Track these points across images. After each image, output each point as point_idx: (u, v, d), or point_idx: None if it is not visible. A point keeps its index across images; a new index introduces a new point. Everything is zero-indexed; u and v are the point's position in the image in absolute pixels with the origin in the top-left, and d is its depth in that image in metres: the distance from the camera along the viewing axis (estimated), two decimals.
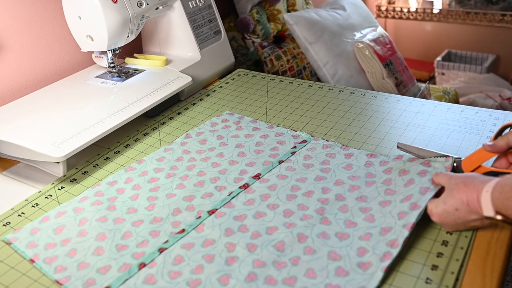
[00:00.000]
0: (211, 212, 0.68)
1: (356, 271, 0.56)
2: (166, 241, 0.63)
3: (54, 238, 0.66)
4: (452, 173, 0.62)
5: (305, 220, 0.65)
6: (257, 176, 0.75)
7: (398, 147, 0.76)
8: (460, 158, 0.69)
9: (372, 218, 0.63)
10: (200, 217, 0.67)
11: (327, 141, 0.83)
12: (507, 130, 0.66)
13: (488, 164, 0.66)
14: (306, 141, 0.83)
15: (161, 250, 0.62)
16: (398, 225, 0.60)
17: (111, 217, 0.69)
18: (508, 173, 0.63)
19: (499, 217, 0.54)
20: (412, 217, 0.60)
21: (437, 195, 0.63)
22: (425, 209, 0.62)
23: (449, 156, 0.69)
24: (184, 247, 0.62)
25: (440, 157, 0.69)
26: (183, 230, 0.65)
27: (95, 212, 0.70)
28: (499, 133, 0.67)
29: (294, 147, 0.82)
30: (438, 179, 0.63)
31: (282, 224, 0.64)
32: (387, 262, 0.56)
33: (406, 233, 0.59)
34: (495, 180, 0.55)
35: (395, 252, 0.57)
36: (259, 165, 0.78)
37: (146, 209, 0.70)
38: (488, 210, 0.54)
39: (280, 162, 0.78)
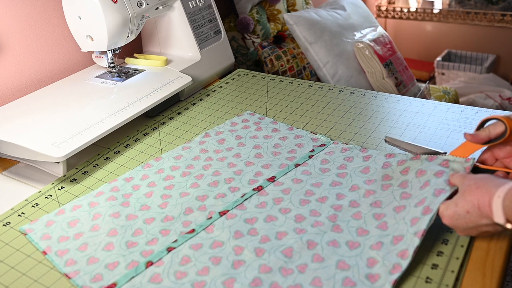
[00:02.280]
0: (222, 213, 0.67)
1: (364, 283, 0.55)
2: (175, 241, 0.63)
3: (68, 231, 0.67)
4: (467, 174, 0.59)
5: (316, 227, 0.63)
6: (272, 179, 0.74)
7: (385, 141, 0.76)
8: (446, 153, 0.68)
9: (385, 225, 0.61)
10: (211, 217, 0.67)
11: (346, 144, 0.81)
12: (488, 123, 0.65)
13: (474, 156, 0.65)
14: (325, 144, 0.82)
15: (169, 249, 0.62)
16: (410, 232, 0.58)
17: (124, 213, 0.69)
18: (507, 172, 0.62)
19: (509, 226, 0.52)
20: (423, 223, 0.58)
21: (451, 196, 0.59)
22: (438, 212, 0.59)
23: (438, 151, 0.69)
24: (192, 248, 0.62)
25: (428, 153, 0.69)
26: (193, 230, 0.65)
27: (109, 208, 0.71)
28: (481, 126, 0.65)
29: (312, 150, 0.80)
30: (453, 180, 0.60)
31: (292, 230, 0.63)
32: (396, 275, 0.54)
33: (416, 241, 0.57)
34: (508, 184, 0.52)
35: (405, 263, 0.55)
36: (275, 167, 0.77)
37: (159, 207, 0.70)
38: (498, 217, 0.52)
39: (297, 165, 0.77)
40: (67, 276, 0.59)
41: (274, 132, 0.87)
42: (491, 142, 0.63)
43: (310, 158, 0.78)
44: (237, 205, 0.69)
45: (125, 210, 0.70)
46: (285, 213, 0.66)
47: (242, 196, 0.71)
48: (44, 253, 0.63)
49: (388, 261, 0.56)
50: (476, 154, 0.67)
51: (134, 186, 0.75)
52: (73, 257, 0.62)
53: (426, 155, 0.68)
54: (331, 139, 0.84)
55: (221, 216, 0.67)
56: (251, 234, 0.63)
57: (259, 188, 0.72)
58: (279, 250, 0.60)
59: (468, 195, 0.55)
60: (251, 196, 0.71)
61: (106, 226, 0.67)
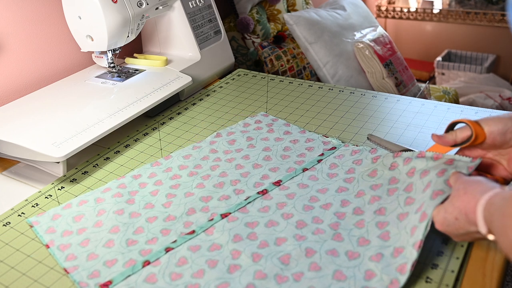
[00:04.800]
0: (224, 216, 0.67)
1: None
2: (175, 241, 0.63)
3: (72, 226, 0.67)
4: (460, 175, 0.57)
5: (317, 235, 0.62)
6: (278, 183, 0.73)
7: (368, 138, 0.78)
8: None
9: (387, 235, 0.60)
10: (212, 219, 0.66)
11: (357, 146, 0.79)
12: (457, 126, 0.65)
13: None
14: (335, 147, 0.80)
15: (167, 250, 0.62)
16: (410, 244, 0.56)
17: (128, 210, 0.69)
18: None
19: (490, 237, 0.50)
20: (420, 233, 0.56)
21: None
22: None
23: (413, 150, 0.70)
24: (191, 249, 0.62)
25: (406, 151, 0.69)
26: (193, 232, 0.64)
27: (113, 204, 0.71)
28: (450, 128, 0.65)
29: (322, 154, 0.79)
30: (450, 180, 0.58)
31: (292, 236, 0.62)
32: None
33: (414, 255, 0.55)
34: (491, 192, 0.50)
35: (403, 279, 0.54)
36: (282, 171, 0.76)
37: (162, 206, 0.70)
38: (481, 226, 0.50)
39: (304, 170, 0.75)
40: (66, 270, 0.60)
41: (285, 135, 0.86)
42: (458, 146, 0.64)
43: (319, 162, 0.77)
44: (239, 208, 0.68)
45: (130, 207, 0.70)
46: (287, 219, 0.65)
47: (245, 199, 0.70)
48: (47, 246, 0.64)
49: (386, 275, 0.55)
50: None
51: (141, 183, 0.75)
52: (74, 252, 0.62)
53: (432, 153, 0.66)
54: (343, 142, 0.82)
55: (222, 218, 0.66)
56: (250, 238, 0.63)
57: (263, 192, 0.71)
58: (277, 257, 0.59)
59: (456, 201, 0.53)
60: (254, 199, 0.70)
61: (109, 223, 0.67)
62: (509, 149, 0.62)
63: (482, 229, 0.50)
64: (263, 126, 0.90)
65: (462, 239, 0.56)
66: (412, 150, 0.70)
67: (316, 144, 0.82)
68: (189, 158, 0.81)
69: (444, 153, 0.64)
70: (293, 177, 0.74)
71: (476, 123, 0.61)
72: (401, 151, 0.71)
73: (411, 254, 0.55)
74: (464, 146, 0.63)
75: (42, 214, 0.70)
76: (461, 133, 0.63)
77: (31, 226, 0.68)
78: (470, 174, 0.58)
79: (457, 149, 0.65)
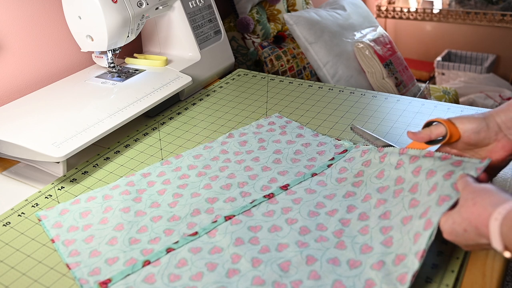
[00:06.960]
0: (228, 218, 0.66)
1: None
2: (177, 242, 0.63)
3: (78, 221, 0.68)
4: (470, 180, 0.54)
5: (319, 242, 0.61)
6: (285, 187, 0.72)
7: (351, 129, 0.79)
8: (394, 147, 0.69)
9: (391, 241, 0.58)
10: (216, 221, 0.66)
11: (367, 145, 0.77)
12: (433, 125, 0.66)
13: None
14: (347, 150, 0.78)
15: (168, 250, 0.61)
16: (412, 252, 0.55)
17: (134, 208, 0.70)
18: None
19: (507, 254, 0.47)
20: (423, 242, 0.54)
21: (456, 204, 0.55)
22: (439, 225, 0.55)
23: (392, 145, 0.71)
24: (191, 251, 0.61)
25: (384, 146, 0.71)
26: (196, 233, 0.64)
27: (120, 202, 0.71)
28: (426, 127, 0.67)
29: (332, 158, 0.77)
30: (458, 185, 0.55)
31: (294, 242, 0.61)
32: None
33: (416, 265, 0.53)
34: (507, 205, 0.47)
35: None
36: (291, 175, 0.74)
37: (168, 205, 0.70)
38: (496, 242, 0.47)
39: (314, 174, 0.74)
40: (68, 266, 0.60)
41: (298, 138, 0.85)
42: (434, 143, 0.65)
43: (329, 167, 0.75)
44: (244, 211, 0.67)
45: (136, 205, 0.70)
46: (290, 224, 0.64)
47: (251, 202, 0.69)
48: (53, 241, 0.65)
49: (386, 285, 0.54)
50: None
51: (150, 182, 0.75)
52: (78, 248, 0.63)
53: (440, 153, 0.64)
54: (354, 143, 0.81)
55: (226, 220, 0.66)
56: (252, 242, 0.62)
57: (270, 196, 0.70)
58: (277, 263, 0.58)
59: (464, 212, 0.51)
60: (260, 203, 0.69)
61: (114, 220, 0.67)
62: (484, 148, 0.63)
63: (498, 245, 0.48)
64: (276, 128, 0.88)
65: (471, 249, 0.55)
66: (390, 145, 0.73)
67: (328, 148, 0.80)
68: (199, 158, 0.81)
69: (422, 150, 0.65)
70: (301, 182, 0.73)
71: (450, 122, 0.63)
72: (383, 146, 0.73)
73: (413, 264, 0.54)
74: (441, 144, 0.65)
75: (50, 208, 0.70)
76: (436, 129, 0.64)
77: (40, 220, 0.69)
78: (477, 178, 0.56)
79: (435, 147, 0.66)
